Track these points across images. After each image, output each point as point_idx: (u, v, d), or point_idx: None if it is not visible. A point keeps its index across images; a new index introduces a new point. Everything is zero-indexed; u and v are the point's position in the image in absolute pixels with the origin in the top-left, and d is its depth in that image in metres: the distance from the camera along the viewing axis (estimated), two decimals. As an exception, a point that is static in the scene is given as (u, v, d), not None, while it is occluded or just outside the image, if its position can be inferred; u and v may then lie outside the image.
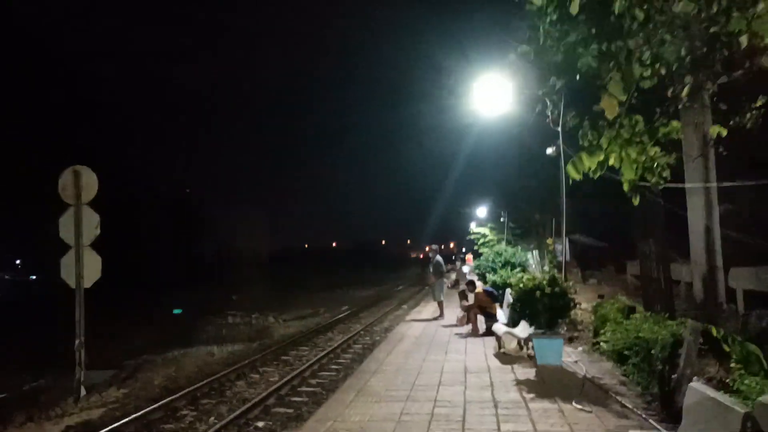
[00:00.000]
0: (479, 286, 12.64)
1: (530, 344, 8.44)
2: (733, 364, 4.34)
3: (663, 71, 2.71)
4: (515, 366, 8.00)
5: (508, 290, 11.47)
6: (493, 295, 11.52)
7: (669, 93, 2.91)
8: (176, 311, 13.56)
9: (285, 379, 8.84)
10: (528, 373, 7.58)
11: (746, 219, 11.65)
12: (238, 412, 6.91)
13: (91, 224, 8.94)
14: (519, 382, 6.99)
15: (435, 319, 14.17)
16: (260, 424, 6.86)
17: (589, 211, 21.10)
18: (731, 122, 3.14)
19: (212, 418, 7.11)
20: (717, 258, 12.24)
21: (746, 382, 3.87)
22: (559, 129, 11.99)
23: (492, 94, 11.05)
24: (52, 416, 7.53)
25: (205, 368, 10.76)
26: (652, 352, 6.31)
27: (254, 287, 36.48)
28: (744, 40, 2.67)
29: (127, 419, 6.67)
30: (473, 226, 35.18)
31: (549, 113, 12.02)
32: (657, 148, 3.10)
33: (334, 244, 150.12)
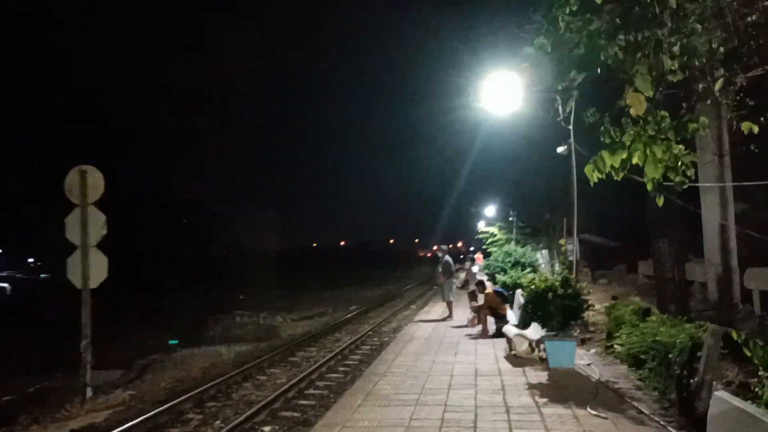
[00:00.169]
0: (489, 287, 12.46)
1: (542, 346, 8.28)
2: (761, 372, 4.13)
3: (695, 63, 2.54)
4: (527, 369, 7.82)
5: (519, 291, 11.30)
6: (503, 296, 11.33)
7: (699, 87, 2.73)
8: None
9: (292, 382, 8.72)
10: (540, 376, 7.39)
11: (763, 219, 11.36)
12: (244, 416, 6.80)
13: (98, 224, 8.88)
14: (531, 386, 6.81)
15: (444, 319, 14.00)
16: (267, 428, 6.74)
17: (600, 211, 20.85)
18: (762, 118, 2.96)
19: (218, 422, 7.00)
20: (732, 258, 12.01)
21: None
22: (571, 128, 11.81)
23: (502, 92, 10.87)
24: (58, 418, 7.48)
25: (213, 369, 10.69)
26: (670, 356, 6.13)
27: (262, 287, 36.51)
28: None
29: (131, 423, 6.58)
30: (482, 225, 34.94)
31: (560, 112, 11.86)
32: (681, 146, 2.92)
33: (342, 243, 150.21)
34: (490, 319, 11.02)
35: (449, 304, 14.36)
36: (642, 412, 5.77)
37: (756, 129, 2.81)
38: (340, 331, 16.07)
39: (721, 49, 2.59)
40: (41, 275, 63.54)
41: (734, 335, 6.15)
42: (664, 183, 9.06)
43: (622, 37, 2.52)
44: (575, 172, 11.54)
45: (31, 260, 77.41)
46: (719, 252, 12.13)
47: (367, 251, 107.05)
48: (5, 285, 60.55)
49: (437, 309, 16.52)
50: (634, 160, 2.82)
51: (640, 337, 6.71)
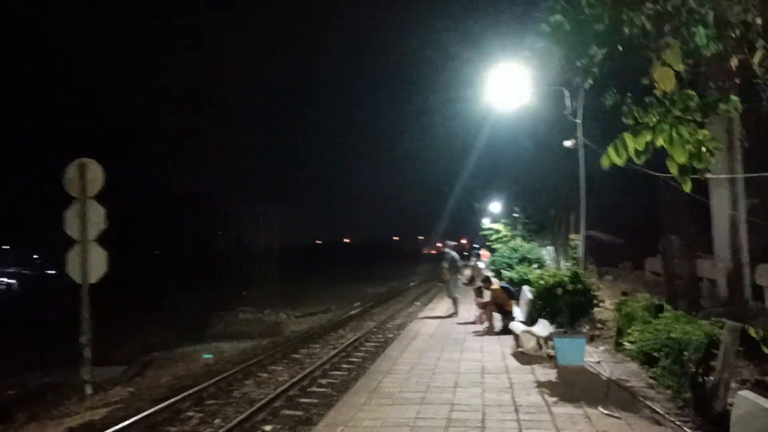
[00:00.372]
0: (495, 283, 12.26)
1: (550, 343, 8.08)
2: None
3: (734, 33, 2.32)
4: (535, 366, 7.63)
5: (526, 287, 11.09)
6: (510, 292, 11.13)
7: (733, 63, 2.52)
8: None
9: (295, 379, 8.55)
10: (549, 374, 7.20)
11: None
12: (244, 415, 6.62)
13: (97, 218, 8.72)
14: (540, 384, 6.62)
15: (449, 316, 13.80)
16: (268, 427, 6.57)
17: (606, 207, 20.60)
18: None
19: (218, 420, 6.84)
20: (743, 253, 11.74)
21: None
22: (578, 121, 11.59)
23: (507, 86, 10.65)
24: (56, 415, 7.35)
25: (214, 366, 10.56)
26: (685, 353, 5.92)
27: (266, 283, 36.42)
28: None
29: (130, 421, 6.43)
30: (486, 222, 34.64)
31: (568, 105, 11.62)
32: (705, 131, 2.70)
33: (346, 240, 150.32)
34: (497, 316, 10.84)
35: (455, 301, 14.16)
36: (656, 412, 5.59)
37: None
38: (343, 328, 15.92)
39: (758, 21, 2.38)
40: (47, 272, 63.79)
41: (752, 332, 5.95)
42: (674, 175, 8.85)
43: (650, 5, 2.32)
44: (583, 166, 11.34)
45: (36, 256, 77.72)
46: (729, 247, 11.88)
47: (371, 248, 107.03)
48: (12, 281, 60.86)
49: (442, 305, 16.33)
50: (659, 142, 2.61)
51: (654, 334, 6.49)
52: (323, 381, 8.95)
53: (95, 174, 8.74)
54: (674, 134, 2.48)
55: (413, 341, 10.10)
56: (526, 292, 10.37)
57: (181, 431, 6.60)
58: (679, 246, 11.72)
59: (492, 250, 26.56)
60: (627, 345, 7.83)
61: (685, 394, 5.88)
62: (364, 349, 12.00)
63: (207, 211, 66.75)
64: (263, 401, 7.24)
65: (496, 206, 37.45)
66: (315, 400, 7.70)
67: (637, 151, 2.65)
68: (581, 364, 7.47)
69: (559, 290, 7.63)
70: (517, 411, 5.55)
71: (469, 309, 13.70)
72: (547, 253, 20.76)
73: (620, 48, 2.63)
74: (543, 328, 8.33)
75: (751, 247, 11.29)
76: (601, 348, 8.93)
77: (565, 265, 11.34)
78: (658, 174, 9.09)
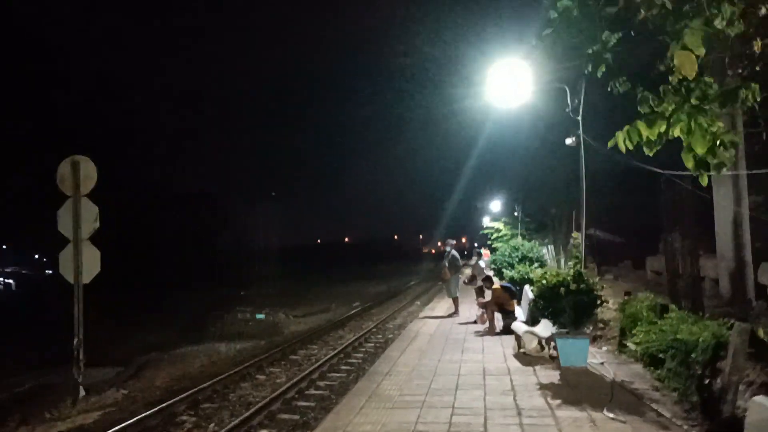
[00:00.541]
0: (496, 282, 12.11)
1: (552, 344, 7.93)
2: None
3: (764, 8, 2.17)
4: (537, 368, 7.48)
5: (527, 286, 10.93)
6: (511, 291, 10.98)
7: (757, 46, 2.36)
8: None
9: (292, 381, 8.39)
10: (551, 375, 7.05)
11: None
12: (240, 419, 6.46)
13: (90, 217, 8.54)
14: (542, 386, 6.47)
15: (450, 316, 13.66)
16: None
17: (605, 206, 20.48)
18: None
19: (212, 425, 6.68)
20: (746, 252, 11.57)
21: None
22: (580, 118, 11.43)
23: (508, 84, 10.48)
24: (47, 419, 7.19)
25: (211, 367, 10.39)
26: (692, 355, 5.76)
27: (265, 283, 36.28)
28: None
29: (122, 425, 6.26)
30: (487, 221, 34.52)
31: (569, 102, 11.47)
32: (720, 123, 2.54)
33: (346, 240, 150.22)
34: (498, 316, 10.69)
35: (455, 300, 14.01)
36: (662, 415, 5.44)
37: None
38: (343, 328, 15.76)
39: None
40: (46, 271, 63.63)
41: (760, 333, 5.79)
42: (680, 173, 8.63)
43: (671, -16, 2.17)
44: (584, 166, 11.19)
45: (36, 256, 77.58)
46: (732, 246, 11.73)
47: (371, 248, 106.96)
48: (10, 281, 60.74)
49: (443, 305, 16.18)
50: (676, 132, 2.44)
51: (659, 335, 6.33)
52: (321, 383, 8.79)
53: (88, 171, 8.56)
54: (693, 124, 2.32)
55: (413, 342, 9.95)
56: (528, 292, 10.21)
57: (174, 436, 6.45)
58: (682, 244, 11.56)
59: (493, 249, 26.43)
60: (631, 346, 7.67)
61: (691, 397, 5.72)
62: (364, 349, 11.85)
63: (207, 210, 66.59)
64: (259, 404, 7.07)
65: (496, 205, 37.33)
66: (313, 404, 7.55)
67: (649, 141, 2.49)
68: (584, 365, 7.31)
69: (562, 290, 7.45)
70: (519, 414, 5.40)
71: (470, 308, 13.56)
72: (547, 251, 20.64)
73: (632, 33, 2.46)
74: (545, 328, 8.17)
75: (755, 245, 11.15)
76: (604, 348, 8.78)
77: (568, 265, 11.16)
78: (661, 171, 8.91)
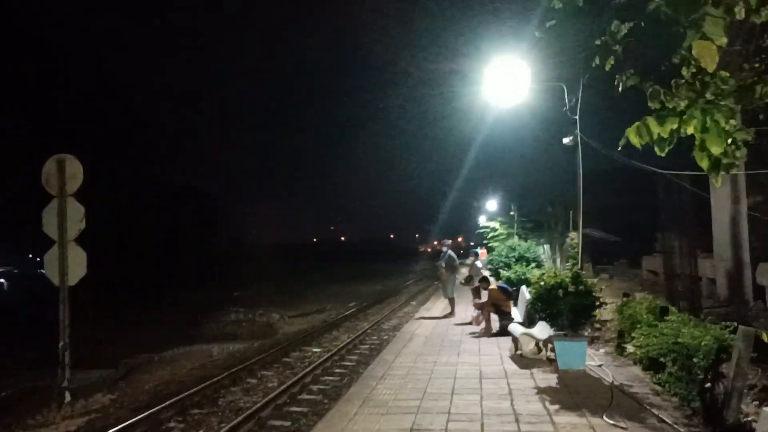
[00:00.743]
0: (493, 283, 11.95)
1: (550, 346, 7.78)
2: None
3: None
4: (534, 370, 7.33)
5: (524, 287, 10.78)
6: (508, 292, 10.83)
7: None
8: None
9: (285, 386, 8.19)
10: (549, 379, 6.90)
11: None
12: (228, 426, 6.27)
13: (76, 217, 8.30)
14: (540, 390, 6.31)
15: (446, 316, 13.49)
16: (254, 438, 6.23)
17: (601, 205, 20.41)
18: None
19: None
20: (744, 252, 11.43)
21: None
22: (577, 118, 11.29)
23: (505, 81, 10.33)
24: (31, 425, 6.97)
25: (201, 371, 10.17)
26: (694, 359, 5.62)
27: (260, 282, 36.04)
28: None
29: (107, 432, 6.06)
30: (483, 220, 34.42)
31: (566, 102, 11.32)
32: (734, 120, 2.38)
33: (342, 239, 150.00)
34: (494, 317, 10.54)
35: (451, 301, 13.84)
36: (664, 421, 5.29)
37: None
38: (338, 329, 15.58)
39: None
40: (39, 270, 63.11)
41: (764, 337, 5.65)
42: (679, 172, 8.46)
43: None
44: (581, 165, 11.06)
45: (31, 255, 77.00)
46: (730, 246, 11.62)
47: (367, 247, 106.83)
48: (2, 281, 60.21)
49: (439, 305, 16.02)
50: (689, 130, 2.27)
51: (660, 339, 6.18)
52: (314, 387, 8.60)
53: (74, 170, 8.32)
54: (708, 121, 2.15)
55: (409, 343, 9.78)
56: (525, 293, 10.07)
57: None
58: (680, 244, 11.44)
59: (489, 249, 26.31)
60: (630, 349, 7.53)
61: (693, 402, 5.59)
62: (358, 352, 11.67)
63: (205, 209, 66.32)
64: (250, 410, 6.87)
65: (492, 204, 37.27)
66: (305, 409, 7.35)
67: (660, 139, 2.32)
68: (583, 368, 7.18)
69: (560, 291, 7.32)
70: (517, 420, 5.24)
71: (466, 309, 13.39)
72: (543, 251, 20.53)
73: (643, 24, 2.29)
74: (542, 330, 8.03)
75: (753, 245, 11.04)
76: (602, 350, 8.64)
77: (566, 265, 11.03)
78: (660, 171, 8.76)
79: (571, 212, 14.48)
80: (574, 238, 9.90)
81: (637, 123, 2.36)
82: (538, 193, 24.27)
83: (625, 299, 9.40)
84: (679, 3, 1.97)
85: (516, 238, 23.15)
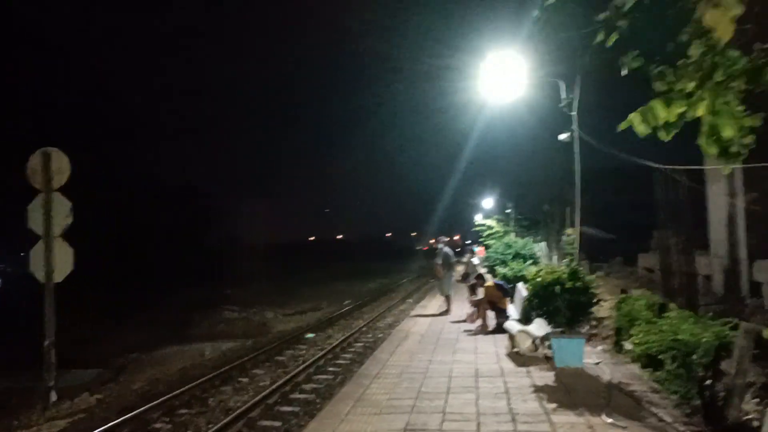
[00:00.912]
0: (489, 280, 11.82)
1: (547, 344, 7.65)
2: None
3: None
4: (531, 368, 7.20)
5: (520, 284, 10.65)
6: (504, 290, 10.70)
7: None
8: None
9: (276, 384, 8.02)
10: (546, 377, 6.77)
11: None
12: (217, 426, 6.09)
13: (63, 212, 8.10)
14: (537, 389, 6.18)
15: (441, 314, 13.35)
16: (242, 439, 6.06)
17: (597, 202, 20.35)
18: None
19: (188, 432, 6.31)
20: (740, 249, 11.34)
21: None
22: (574, 113, 11.15)
23: (502, 77, 10.18)
24: (14, 426, 6.77)
25: (192, 370, 9.98)
26: (693, 357, 5.49)
27: (256, 280, 35.80)
28: None
29: (91, 434, 5.88)
30: (479, 218, 34.28)
31: (562, 96, 11.18)
32: (741, 106, 2.22)
33: (338, 237, 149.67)
34: (490, 314, 10.41)
35: (447, 298, 13.70)
36: (663, 420, 5.19)
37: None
38: (332, 327, 15.42)
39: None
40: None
41: (765, 334, 5.52)
42: (676, 167, 8.32)
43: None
44: (578, 162, 10.93)
45: (23, 254, 76.41)
46: (726, 243, 11.52)
47: (363, 245, 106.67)
48: (-5, 279, 59.69)
49: (435, 303, 15.89)
50: (699, 112, 2.12)
51: (659, 336, 6.05)
52: (307, 386, 8.43)
53: (61, 164, 8.12)
54: (720, 104, 1.99)
55: (404, 342, 9.64)
56: (521, 290, 9.95)
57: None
58: (677, 241, 11.34)
59: (486, 246, 26.21)
60: (628, 346, 7.41)
61: (693, 400, 5.47)
62: (353, 350, 11.51)
63: (200, 208, 65.92)
64: (239, 410, 6.70)
65: (488, 202, 37.21)
66: (296, 409, 7.19)
67: (667, 123, 2.16)
68: (580, 365, 7.06)
69: (558, 288, 7.18)
70: (514, 420, 5.11)
71: (462, 307, 13.26)
72: (539, 249, 20.43)
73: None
74: (539, 327, 7.90)
75: (749, 242, 10.93)
76: (599, 348, 8.53)
77: (564, 262, 10.90)
78: (659, 165, 8.61)
79: (567, 209, 14.38)
80: (571, 233, 9.76)
81: (641, 107, 2.20)
82: (534, 191, 24.21)
83: (623, 296, 9.28)
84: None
85: (513, 235, 23.05)
